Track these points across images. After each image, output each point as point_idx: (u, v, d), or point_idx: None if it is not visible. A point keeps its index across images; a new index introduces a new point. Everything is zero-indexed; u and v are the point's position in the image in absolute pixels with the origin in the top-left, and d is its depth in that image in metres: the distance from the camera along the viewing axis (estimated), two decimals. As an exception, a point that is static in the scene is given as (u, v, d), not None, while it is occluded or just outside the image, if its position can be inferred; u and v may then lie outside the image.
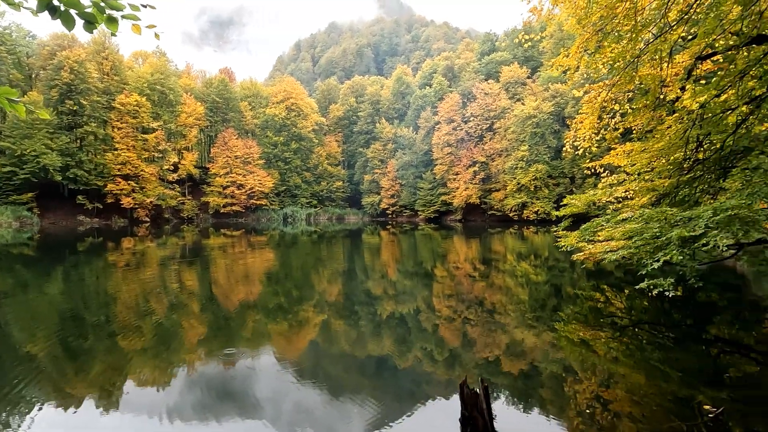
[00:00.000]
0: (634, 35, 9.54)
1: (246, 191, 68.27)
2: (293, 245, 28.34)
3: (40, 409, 4.85)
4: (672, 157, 10.10)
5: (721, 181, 9.21)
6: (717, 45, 9.12)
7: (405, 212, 73.52)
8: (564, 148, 13.46)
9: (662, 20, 9.27)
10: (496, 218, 61.69)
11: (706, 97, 9.21)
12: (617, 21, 9.75)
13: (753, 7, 8.01)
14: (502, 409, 4.93)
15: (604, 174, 13.12)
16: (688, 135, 9.41)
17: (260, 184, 69.03)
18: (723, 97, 8.98)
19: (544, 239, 28.93)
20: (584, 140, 11.92)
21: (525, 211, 56.09)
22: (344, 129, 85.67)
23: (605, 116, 11.44)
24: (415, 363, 6.56)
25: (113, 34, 2.79)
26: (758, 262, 9.34)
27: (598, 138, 11.77)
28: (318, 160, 79.00)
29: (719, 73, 9.09)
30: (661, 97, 10.20)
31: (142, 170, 59.66)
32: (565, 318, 9.00)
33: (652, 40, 9.50)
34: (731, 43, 8.70)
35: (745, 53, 8.59)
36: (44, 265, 17.91)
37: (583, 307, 10.09)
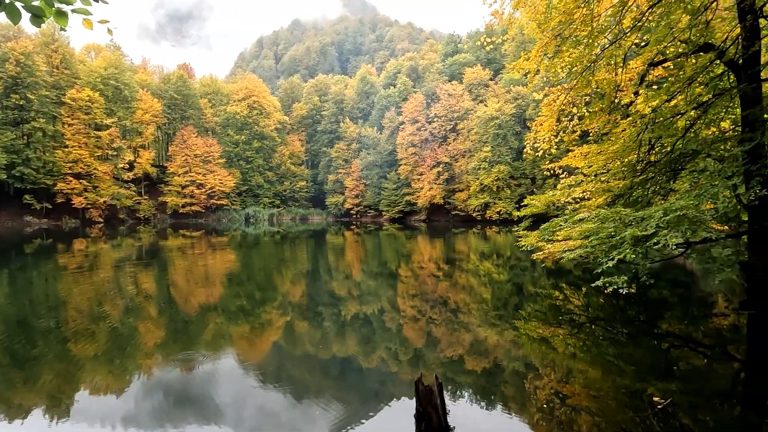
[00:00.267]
0: (590, 41, 9.83)
1: (206, 191, 66.47)
2: (255, 246, 27.77)
3: (-23, 425, 4.50)
4: (626, 159, 10.47)
5: (672, 183, 9.62)
6: (668, 52, 9.52)
7: (369, 212, 73.49)
8: (525, 150, 13.75)
9: (617, 27, 9.60)
10: (460, 218, 62.55)
11: (657, 101, 9.61)
12: (575, 26, 10.02)
13: (700, 17, 8.40)
14: (465, 406, 4.96)
15: (563, 175, 13.50)
16: (641, 138, 9.77)
17: (221, 183, 67.35)
18: (673, 102, 9.39)
19: (506, 239, 29.55)
20: (544, 142, 12.21)
21: (488, 212, 57.11)
22: (308, 128, 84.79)
23: (564, 119, 11.76)
24: (379, 363, 6.52)
25: (62, 29, 2.63)
26: (705, 260, 9.82)
27: (557, 140, 12.09)
28: (281, 160, 77.82)
29: (670, 79, 9.51)
30: (616, 101, 10.56)
31: (95, 169, 57.04)
32: (525, 316, 9.18)
33: (607, 45, 9.82)
34: (681, 50, 9.11)
35: (693, 60, 9.01)
36: (-15, 270, 16.79)
37: (542, 305, 10.32)
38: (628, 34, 9.66)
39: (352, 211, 75.02)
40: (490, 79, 65.86)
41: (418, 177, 65.37)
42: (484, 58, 68.40)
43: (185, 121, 70.19)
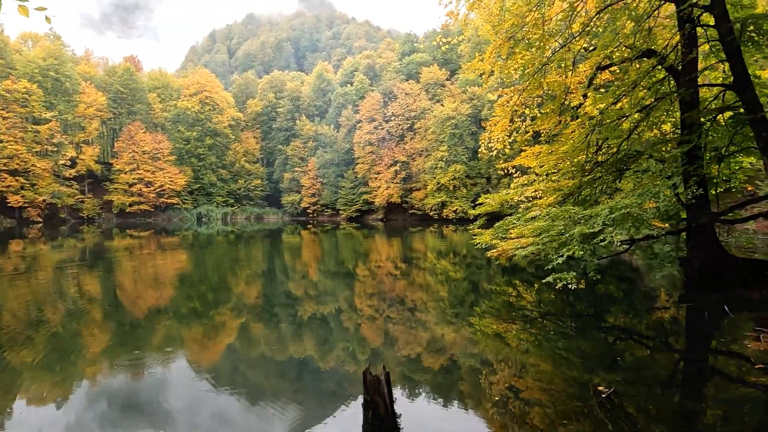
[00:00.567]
0: (542, 44, 10.11)
1: (155, 189, 63.71)
2: (208, 246, 26.89)
3: None
4: (575, 160, 10.85)
5: (618, 182, 10.05)
6: (614, 57, 9.93)
7: (326, 211, 72.86)
8: (480, 150, 14.01)
9: (567, 31, 9.93)
10: (417, 217, 63.15)
11: (604, 104, 10.02)
12: (527, 29, 10.27)
13: (643, 24, 8.82)
14: (421, 403, 4.97)
15: (516, 175, 13.85)
16: (589, 139, 10.15)
17: (171, 181, 64.74)
18: (619, 105, 9.82)
19: (463, 237, 30.06)
20: (497, 142, 12.47)
21: (444, 210, 57.93)
22: (263, 125, 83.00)
23: (517, 119, 12.05)
24: (336, 363, 6.42)
25: (-5, 15, 2.38)
26: (648, 255, 10.32)
27: (510, 140, 12.37)
28: (235, 157, 75.72)
29: (616, 82, 9.93)
30: (567, 103, 10.93)
31: (32, 165, 53.49)
32: (480, 313, 9.33)
33: (558, 49, 10.13)
34: (626, 55, 9.52)
35: (637, 65, 9.45)
36: None
37: (497, 301, 10.52)
38: (577, 39, 10.01)
39: (308, 210, 74.12)
40: (447, 79, 66.79)
41: (376, 176, 65.44)
42: (440, 58, 69.27)
43: (132, 116, 66.97)
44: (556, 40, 10.34)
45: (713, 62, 9.54)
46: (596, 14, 9.52)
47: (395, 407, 4.27)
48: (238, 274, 15.60)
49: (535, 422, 4.46)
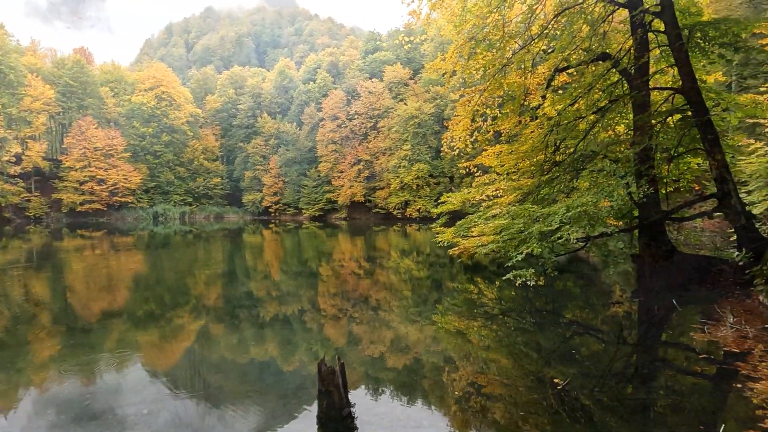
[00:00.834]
0: (502, 45, 10.27)
1: (108, 187, 60.85)
2: (165, 247, 25.95)
3: None
4: (535, 159, 11.09)
5: (575, 182, 10.33)
6: (571, 59, 10.20)
7: (289, 210, 71.72)
8: (442, 149, 14.11)
9: (526, 33, 10.12)
10: (381, 216, 63.20)
11: (562, 105, 10.28)
12: (488, 30, 10.41)
13: (598, 28, 9.11)
14: (385, 401, 4.96)
15: (478, 174, 14.05)
16: (548, 139, 10.40)
17: (125, 179, 61.99)
18: (576, 106, 10.10)
19: (426, 236, 30.30)
20: (459, 141, 12.60)
21: (408, 209, 58.19)
22: (222, 122, 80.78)
23: (478, 119, 12.20)
24: (299, 364, 6.32)
25: None
26: (603, 252, 10.67)
27: (472, 140, 12.52)
28: (193, 155, 73.34)
29: (573, 84, 10.21)
30: (526, 103, 11.15)
31: (-29, 162, 49.99)
32: (442, 311, 9.40)
33: (518, 50, 10.32)
34: (582, 58, 9.80)
35: (593, 68, 9.75)
36: None
37: (459, 299, 10.64)
38: (536, 41, 10.22)
39: (270, 209, 72.76)
40: (410, 79, 67.07)
41: (339, 174, 65.01)
42: (404, 57, 69.52)
43: (83, 111, 63.65)
44: (516, 42, 10.53)
45: (663, 66, 9.97)
46: (554, 17, 9.76)
47: (350, 398, 4.31)
48: (197, 275, 15.11)
49: (494, 415, 4.53)
